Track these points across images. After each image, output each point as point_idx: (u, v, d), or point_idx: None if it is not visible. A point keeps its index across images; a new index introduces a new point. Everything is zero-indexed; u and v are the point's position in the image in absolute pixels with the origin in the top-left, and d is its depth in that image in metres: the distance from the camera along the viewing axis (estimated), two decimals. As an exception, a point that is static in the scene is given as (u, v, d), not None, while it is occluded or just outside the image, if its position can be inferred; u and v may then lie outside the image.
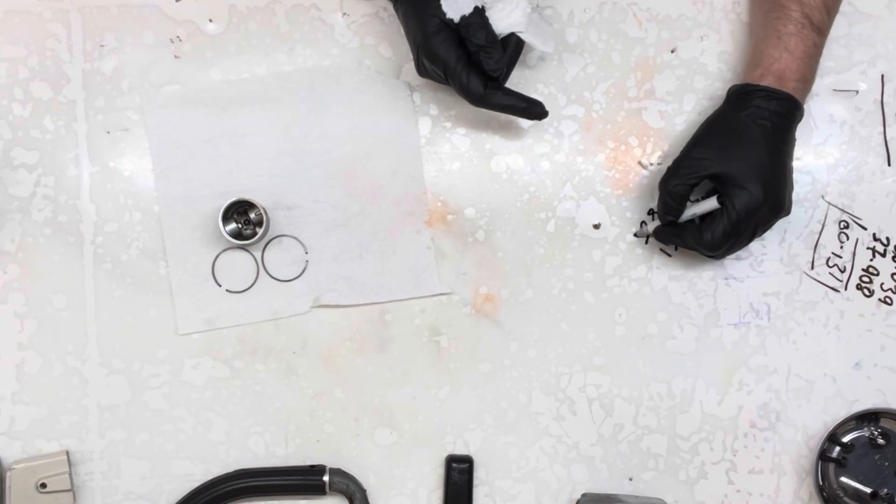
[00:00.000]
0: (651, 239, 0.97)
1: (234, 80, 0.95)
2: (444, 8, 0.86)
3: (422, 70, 0.89)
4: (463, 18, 0.86)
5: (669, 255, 0.98)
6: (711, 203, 0.90)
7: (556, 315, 0.98)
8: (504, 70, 0.88)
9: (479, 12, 0.87)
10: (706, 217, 0.91)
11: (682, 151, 0.92)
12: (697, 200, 0.94)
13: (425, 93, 0.97)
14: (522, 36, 0.89)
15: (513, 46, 0.89)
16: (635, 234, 0.98)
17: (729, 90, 0.93)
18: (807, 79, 0.90)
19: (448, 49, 0.86)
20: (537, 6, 0.97)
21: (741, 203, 0.87)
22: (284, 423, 0.96)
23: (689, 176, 0.90)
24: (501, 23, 0.88)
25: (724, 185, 0.89)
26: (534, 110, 0.90)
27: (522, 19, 0.89)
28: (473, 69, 0.87)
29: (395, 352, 0.97)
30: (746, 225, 0.88)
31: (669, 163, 0.97)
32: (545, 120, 0.97)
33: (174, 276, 0.96)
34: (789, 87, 0.89)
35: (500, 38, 0.88)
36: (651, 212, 0.97)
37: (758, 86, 0.89)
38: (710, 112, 0.94)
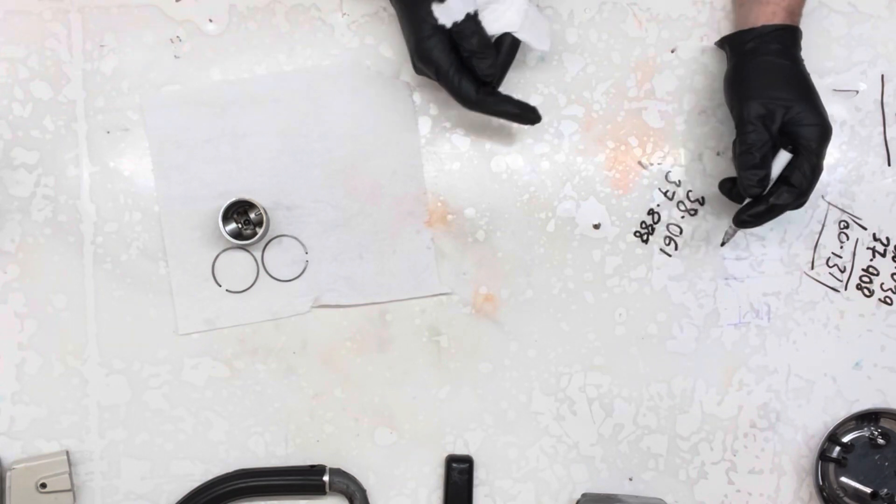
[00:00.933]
0: (649, 236, 0.97)
1: (234, 80, 0.95)
2: (436, 14, 0.86)
3: (417, 69, 0.89)
4: (455, 24, 0.86)
5: (669, 256, 0.98)
6: (785, 156, 0.89)
7: (556, 315, 0.98)
8: (497, 74, 0.88)
9: (472, 18, 0.86)
10: (783, 171, 0.89)
11: (736, 122, 0.89)
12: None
13: (425, 93, 0.97)
14: (518, 35, 0.89)
15: (507, 48, 0.89)
16: (723, 243, 0.96)
17: (724, 42, 0.93)
18: (795, 11, 0.91)
19: (440, 53, 0.86)
20: (536, 3, 0.97)
21: (814, 137, 0.87)
22: (284, 423, 0.96)
23: (760, 140, 0.87)
24: (495, 23, 0.88)
25: (792, 127, 0.88)
26: (527, 116, 0.90)
27: (517, 19, 0.88)
28: (466, 73, 0.87)
29: (395, 352, 0.97)
30: (824, 154, 0.88)
31: (669, 161, 0.98)
32: (545, 120, 0.97)
33: (174, 276, 0.96)
34: (797, 21, 0.90)
35: (494, 38, 0.88)
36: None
37: (773, 25, 0.89)
38: (710, 112, 0.94)
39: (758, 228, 0.97)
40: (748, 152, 0.88)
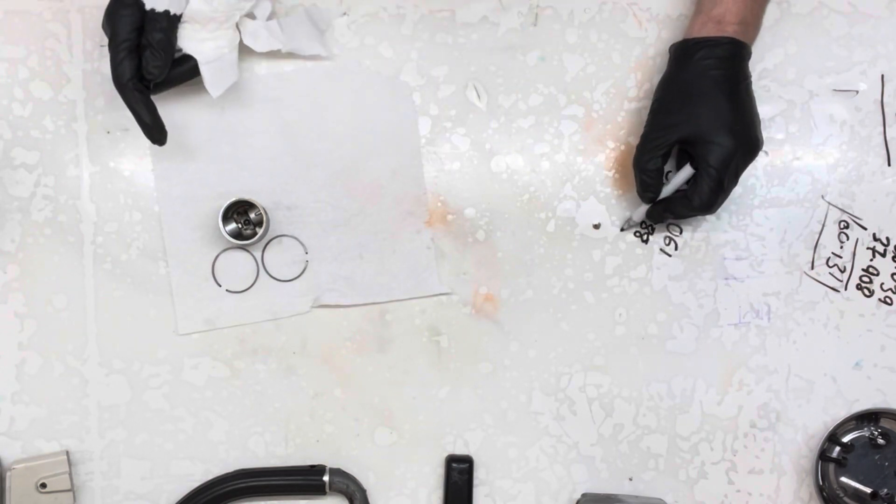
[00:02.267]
0: (649, 236, 0.97)
1: (231, 84, 0.95)
2: None
3: (102, 24, 0.87)
4: (152, 11, 0.85)
5: (669, 256, 0.98)
6: (686, 171, 0.90)
7: (556, 315, 0.98)
8: (160, 80, 0.86)
9: (169, 16, 0.85)
10: (687, 183, 0.91)
11: (645, 125, 0.92)
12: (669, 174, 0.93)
13: (425, 93, 0.97)
14: (201, 67, 0.89)
15: (186, 68, 0.89)
16: (622, 229, 0.97)
17: (670, 49, 0.92)
18: (748, 21, 0.89)
19: (124, 23, 0.84)
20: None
21: (715, 158, 0.87)
22: (284, 423, 0.96)
23: (657, 147, 0.90)
24: (188, 42, 0.88)
25: (693, 145, 0.89)
26: (152, 131, 0.87)
27: (210, 54, 0.89)
28: (133, 57, 0.85)
29: (395, 352, 0.97)
30: (728, 175, 0.88)
31: (669, 162, 0.98)
32: (545, 120, 0.97)
33: (174, 276, 0.96)
34: (729, 31, 0.88)
35: (181, 52, 0.88)
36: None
37: (697, 38, 0.89)
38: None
39: (757, 228, 0.98)
40: (641, 162, 0.90)
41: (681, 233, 0.98)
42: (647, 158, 0.90)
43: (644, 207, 0.95)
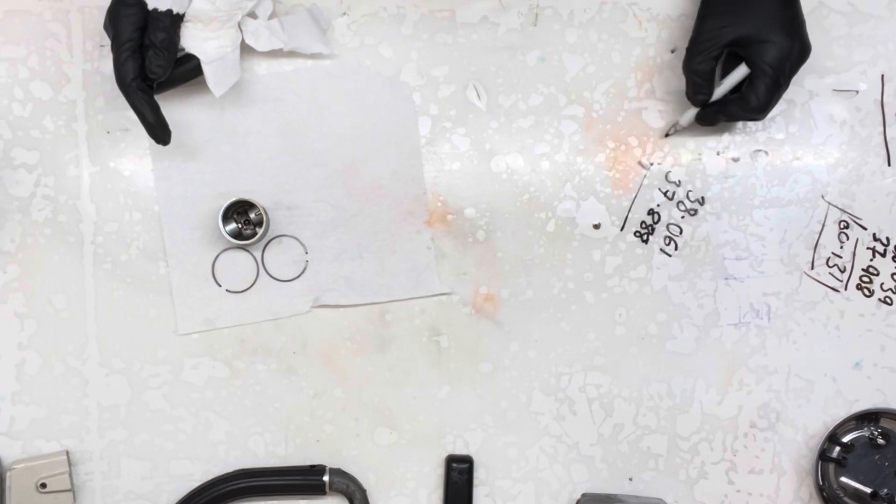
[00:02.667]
0: (649, 236, 0.97)
1: (233, 84, 0.95)
2: None
3: (104, 25, 0.87)
4: (155, 10, 0.85)
5: (669, 256, 0.98)
6: (741, 71, 0.88)
7: (556, 315, 0.98)
8: (163, 79, 0.86)
9: (171, 16, 0.85)
10: (740, 84, 0.90)
11: (694, 29, 0.90)
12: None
13: (425, 93, 0.97)
14: (203, 66, 0.89)
15: (189, 67, 0.89)
16: (666, 134, 0.96)
17: None
18: None
19: (127, 24, 0.85)
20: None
21: (772, 56, 0.86)
22: (284, 423, 0.96)
23: (710, 49, 0.88)
24: (192, 41, 0.88)
25: (747, 46, 0.87)
26: (156, 132, 0.87)
27: (212, 53, 0.89)
28: (136, 57, 0.85)
29: (395, 352, 0.97)
30: (783, 75, 0.87)
31: (669, 161, 0.98)
32: (545, 120, 0.97)
33: (174, 276, 0.96)
34: None
35: (184, 51, 0.88)
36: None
37: None
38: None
39: (757, 229, 0.98)
40: (693, 64, 0.89)
41: (681, 233, 0.98)
42: (699, 60, 0.88)
43: (692, 112, 0.93)
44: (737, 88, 0.91)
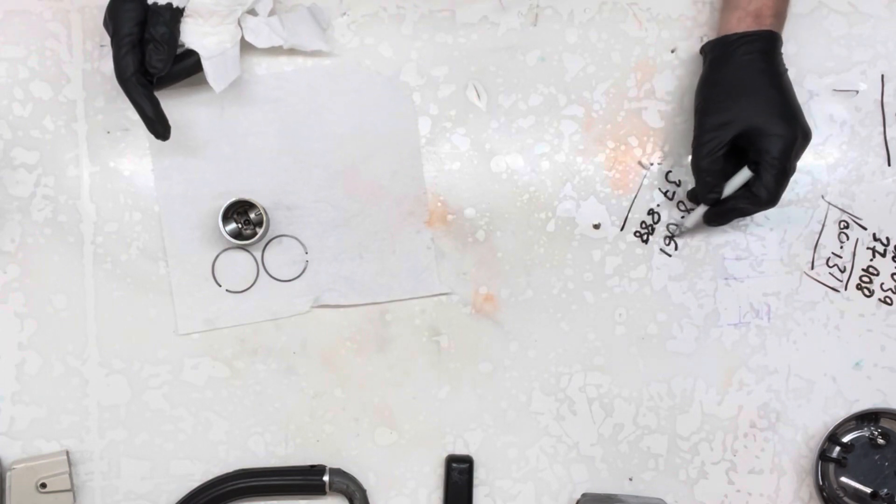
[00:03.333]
0: (649, 236, 0.97)
1: (235, 80, 0.95)
2: None
3: (104, 21, 0.87)
4: (154, 5, 0.85)
5: (669, 256, 0.98)
6: (746, 173, 0.89)
7: (556, 315, 0.98)
8: (163, 74, 0.86)
9: (171, 9, 0.85)
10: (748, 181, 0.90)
11: (695, 128, 0.91)
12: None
13: (425, 93, 0.97)
14: (203, 62, 0.89)
15: (189, 63, 0.89)
16: (673, 236, 0.97)
17: (705, 46, 0.92)
18: (780, 13, 0.90)
19: (126, 18, 0.85)
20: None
21: (777, 149, 0.87)
22: (284, 423, 0.96)
23: (716, 148, 0.89)
24: (192, 37, 0.88)
25: (751, 139, 0.88)
26: (156, 127, 0.87)
27: (212, 49, 0.89)
28: (136, 51, 0.85)
29: (395, 352, 0.97)
30: (790, 164, 0.88)
31: (669, 161, 0.98)
32: (545, 120, 0.97)
33: (174, 276, 0.96)
34: (767, 24, 0.89)
35: (184, 47, 0.88)
36: (684, 206, 0.96)
37: (738, 34, 0.89)
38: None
39: (757, 229, 0.98)
40: (701, 165, 0.89)
41: (681, 233, 0.98)
42: (707, 161, 0.89)
43: (698, 212, 0.94)
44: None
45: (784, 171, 0.88)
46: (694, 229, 0.97)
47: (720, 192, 0.91)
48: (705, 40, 0.98)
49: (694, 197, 0.96)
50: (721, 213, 0.92)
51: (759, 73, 0.88)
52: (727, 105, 0.89)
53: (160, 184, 0.96)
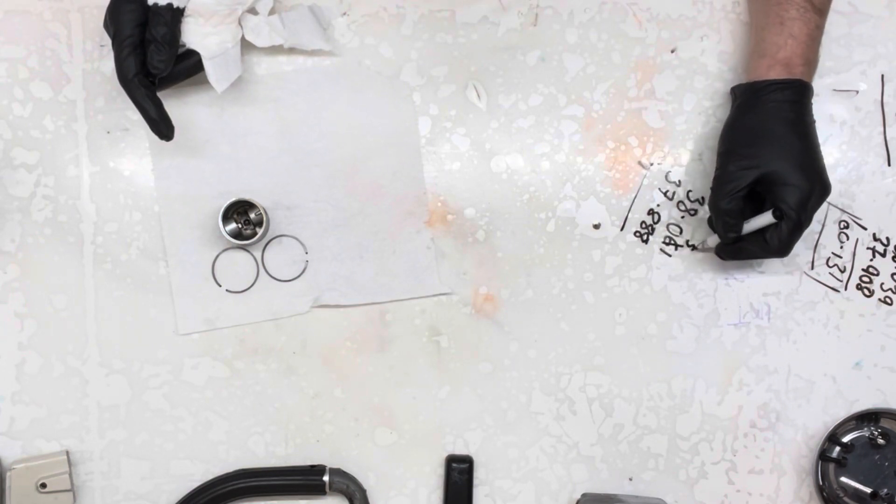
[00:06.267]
0: (649, 236, 0.98)
1: (235, 79, 0.95)
2: None
3: (104, 23, 0.87)
4: (155, 5, 0.85)
5: (669, 256, 0.98)
6: (767, 217, 0.89)
7: (556, 315, 0.98)
8: (164, 74, 0.86)
9: (172, 10, 0.85)
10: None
11: (717, 169, 0.91)
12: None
13: (425, 93, 0.97)
14: (204, 62, 0.89)
15: (190, 63, 0.89)
16: (694, 248, 0.97)
17: (735, 89, 0.92)
18: (811, 61, 0.90)
19: (127, 20, 0.85)
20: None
21: (794, 200, 0.87)
22: (284, 423, 0.96)
23: (736, 190, 0.89)
24: (193, 37, 0.88)
25: (769, 186, 0.88)
26: (159, 126, 0.87)
27: (213, 49, 0.89)
28: (138, 53, 0.85)
29: (395, 352, 0.97)
30: (806, 217, 0.88)
31: (669, 161, 0.98)
32: (545, 120, 0.97)
33: (174, 276, 0.96)
34: (797, 73, 0.89)
35: (185, 47, 0.88)
36: (710, 223, 0.96)
37: (767, 80, 0.89)
38: (710, 112, 0.94)
39: (758, 228, 0.98)
40: (720, 205, 0.89)
41: (681, 233, 0.98)
42: (726, 201, 0.89)
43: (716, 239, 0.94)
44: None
45: (799, 224, 0.88)
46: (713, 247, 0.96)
47: (739, 231, 0.90)
48: (706, 40, 0.98)
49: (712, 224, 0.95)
50: (733, 251, 0.92)
51: (784, 121, 0.88)
52: (751, 151, 0.89)
53: (160, 184, 0.96)
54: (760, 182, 0.88)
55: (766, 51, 0.90)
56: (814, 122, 0.90)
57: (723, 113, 0.97)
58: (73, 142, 0.96)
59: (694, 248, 0.98)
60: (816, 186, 0.88)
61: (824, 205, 0.98)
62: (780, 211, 0.87)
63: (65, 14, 0.96)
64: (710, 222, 0.95)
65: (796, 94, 0.89)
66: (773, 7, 0.90)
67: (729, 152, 0.91)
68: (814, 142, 0.89)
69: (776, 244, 0.88)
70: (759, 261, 0.98)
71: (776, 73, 0.89)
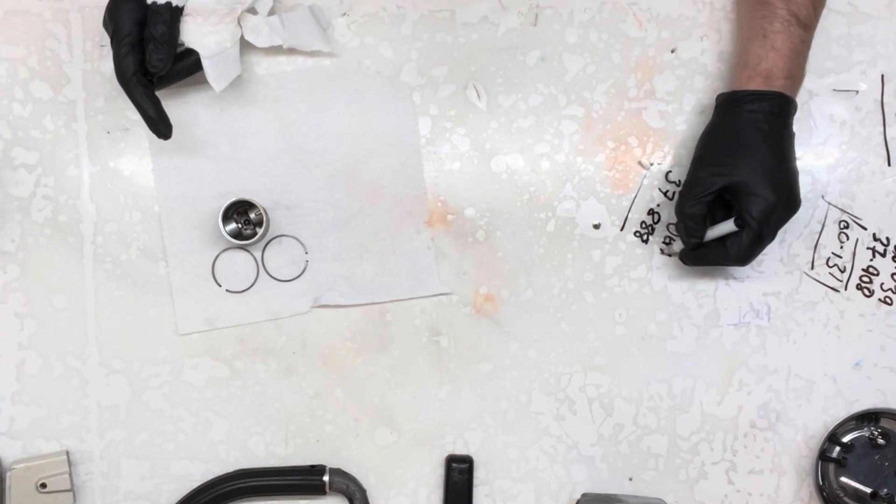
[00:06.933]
0: (649, 236, 0.98)
1: (235, 79, 0.95)
2: None
3: (103, 22, 0.87)
4: (154, 4, 0.85)
5: (669, 256, 0.98)
6: (729, 225, 0.89)
7: (556, 315, 0.98)
8: (163, 73, 0.86)
9: (171, 8, 0.85)
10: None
11: (688, 172, 0.92)
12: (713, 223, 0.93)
13: (425, 93, 0.97)
14: (203, 61, 0.89)
15: (189, 61, 0.89)
16: (662, 251, 0.98)
17: (717, 98, 0.93)
18: (794, 75, 0.90)
19: (126, 18, 0.85)
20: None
21: (758, 211, 0.87)
22: (284, 423, 0.96)
23: (701, 195, 0.89)
24: (192, 36, 0.88)
25: (736, 195, 0.89)
26: (157, 125, 0.87)
27: (212, 48, 0.89)
28: (136, 52, 0.85)
29: (395, 352, 0.97)
30: (768, 230, 0.88)
31: (669, 161, 0.98)
32: (545, 120, 0.97)
33: (174, 276, 0.96)
34: (777, 86, 0.89)
35: (184, 46, 0.88)
36: (670, 228, 0.97)
37: (746, 91, 0.89)
38: (710, 112, 0.94)
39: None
40: (685, 209, 0.90)
41: (681, 233, 0.98)
42: (691, 205, 0.90)
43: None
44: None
45: (760, 235, 0.88)
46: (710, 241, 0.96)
47: (701, 237, 0.91)
48: (706, 40, 0.98)
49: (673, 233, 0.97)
50: (695, 256, 0.93)
51: (758, 132, 0.88)
52: (724, 159, 0.89)
53: (160, 184, 0.96)
54: (729, 190, 0.89)
55: (748, 62, 0.90)
56: (792, 135, 0.90)
57: (723, 113, 0.97)
58: (73, 142, 0.96)
59: (662, 251, 0.98)
60: (783, 200, 0.88)
61: (824, 204, 0.98)
62: (743, 220, 0.88)
63: (65, 14, 0.96)
64: (675, 227, 0.95)
65: (774, 107, 0.88)
66: (757, 20, 0.90)
67: (702, 157, 0.91)
68: (787, 155, 0.90)
69: (735, 252, 0.89)
70: (758, 261, 0.98)
71: (755, 85, 0.89)
